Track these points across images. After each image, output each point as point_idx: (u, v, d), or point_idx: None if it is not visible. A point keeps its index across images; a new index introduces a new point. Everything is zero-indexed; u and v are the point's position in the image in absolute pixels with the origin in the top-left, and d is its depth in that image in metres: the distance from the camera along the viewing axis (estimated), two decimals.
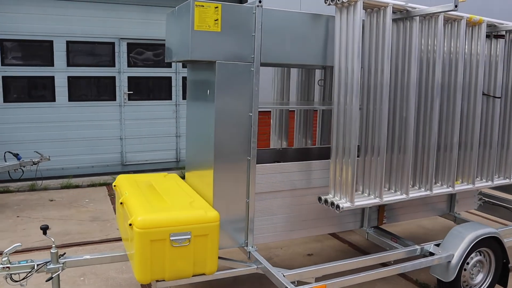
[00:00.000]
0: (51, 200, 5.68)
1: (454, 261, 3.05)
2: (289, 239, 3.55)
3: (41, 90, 6.37)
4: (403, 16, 3.02)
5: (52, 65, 6.37)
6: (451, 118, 3.35)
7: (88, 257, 2.92)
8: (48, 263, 2.75)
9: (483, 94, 3.63)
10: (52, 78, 6.41)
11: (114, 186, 3.38)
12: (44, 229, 2.80)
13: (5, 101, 6.14)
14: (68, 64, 6.47)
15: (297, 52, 2.93)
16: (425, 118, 3.24)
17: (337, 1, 2.75)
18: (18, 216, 5.01)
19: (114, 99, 6.90)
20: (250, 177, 2.92)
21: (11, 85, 6.17)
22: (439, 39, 3.11)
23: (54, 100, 6.46)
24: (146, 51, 6.98)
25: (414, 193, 3.21)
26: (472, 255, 3.20)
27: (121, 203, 2.96)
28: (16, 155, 5.13)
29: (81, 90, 6.68)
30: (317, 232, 3.35)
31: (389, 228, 4.51)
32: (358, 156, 2.97)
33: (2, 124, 6.15)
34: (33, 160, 5.23)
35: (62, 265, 2.77)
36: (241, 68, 2.78)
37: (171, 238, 2.52)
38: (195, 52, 2.65)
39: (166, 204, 2.76)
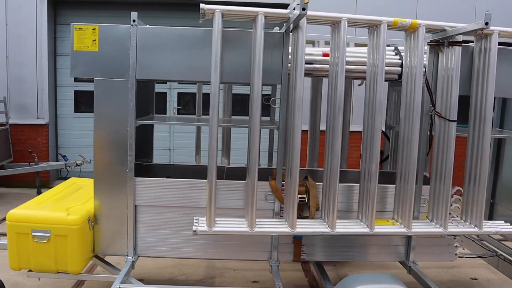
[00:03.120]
0: None
1: None
2: (194, 258, 3.38)
3: None
4: (292, 25, 2.72)
5: None
6: (372, 141, 2.80)
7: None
8: None
9: (436, 114, 2.92)
10: None
11: None
12: None
13: (75, 111, 7.49)
14: None
15: (177, 68, 2.91)
16: (333, 140, 2.79)
17: (203, 14, 2.67)
18: None
19: (165, 113, 7.66)
20: (128, 189, 3.02)
21: (81, 98, 7.50)
22: (342, 49, 2.68)
23: None
24: None
25: (308, 228, 2.79)
26: None
27: None
28: (64, 157, 6.23)
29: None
30: (212, 256, 3.20)
31: None
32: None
33: (72, 130, 7.53)
34: (77, 162, 6.26)
35: None
36: (118, 84, 2.93)
37: (33, 234, 2.82)
38: (75, 70, 2.93)
39: (55, 205, 3.08)
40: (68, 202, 3.15)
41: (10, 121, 6.63)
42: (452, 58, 2.82)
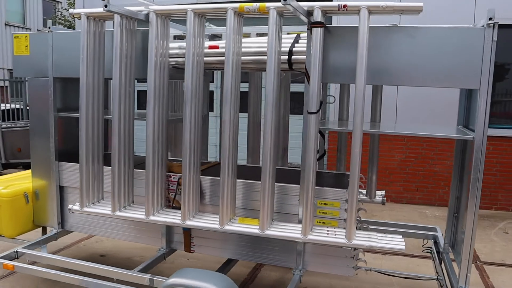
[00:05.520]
0: None
1: None
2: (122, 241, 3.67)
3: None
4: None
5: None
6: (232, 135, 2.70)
7: None
8: None
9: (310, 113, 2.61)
10: None
11: None
12: None
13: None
14: None
15: None
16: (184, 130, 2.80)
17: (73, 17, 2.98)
18: None
19: (212, 111, 8.14)
20: (51, 172, 3.53)
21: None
22: (189, 41, 2.67)
23: None
24: None
25: (163, 217, 2.85)
26: None
27: None
28: None
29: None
30: (117, 236, 3.49)
31: None
32: None
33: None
34: None
35: None
36: (43, 82, 3.46)
37: None
38: (16, 72, 3.59)
39: (7, 182, 3.79)
40: (19, 181, 3.83)
41: None
42: (312, 43, 2.48)
